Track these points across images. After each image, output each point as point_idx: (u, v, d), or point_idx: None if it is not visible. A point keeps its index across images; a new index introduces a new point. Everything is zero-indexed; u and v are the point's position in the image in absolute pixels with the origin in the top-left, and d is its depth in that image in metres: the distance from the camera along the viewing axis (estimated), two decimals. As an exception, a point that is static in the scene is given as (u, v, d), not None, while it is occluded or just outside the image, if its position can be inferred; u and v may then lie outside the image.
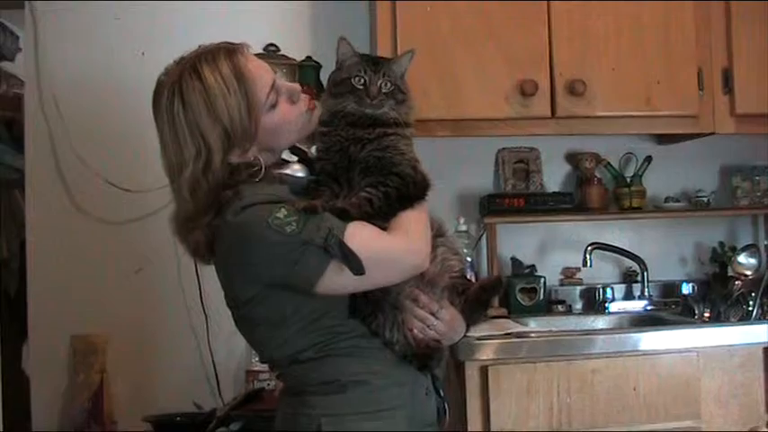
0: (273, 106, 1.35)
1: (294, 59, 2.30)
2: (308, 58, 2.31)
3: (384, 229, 1.33)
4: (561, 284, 2.49)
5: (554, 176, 2.53)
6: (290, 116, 1.37)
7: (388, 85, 1.40)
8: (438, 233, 1.44)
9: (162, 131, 1.33)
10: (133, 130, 2.07)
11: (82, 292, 2.25)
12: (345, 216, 1.30)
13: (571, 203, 2.40)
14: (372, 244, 1.29)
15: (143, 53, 2.29)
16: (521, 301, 2.36)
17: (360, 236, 1.28)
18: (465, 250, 2.32)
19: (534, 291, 2.37)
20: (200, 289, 2.20)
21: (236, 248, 1.29)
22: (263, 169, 1.34)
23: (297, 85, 1.42)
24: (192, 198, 1.31)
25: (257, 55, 2.28)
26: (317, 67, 2.29)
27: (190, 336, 2.28)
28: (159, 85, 1.34)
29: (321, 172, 1.40)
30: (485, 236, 2.42)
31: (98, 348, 2.19)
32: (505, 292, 2.36)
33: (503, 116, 2.16)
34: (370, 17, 2.30)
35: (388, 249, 1.30)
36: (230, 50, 1.34)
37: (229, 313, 1.41)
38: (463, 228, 2.36)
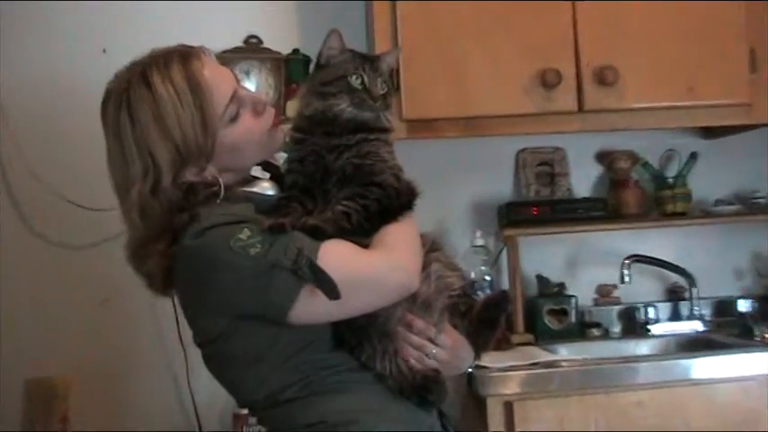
0: (234, 120, 1.36)
1: (279, 53, 2.34)
2: (296, 51, 2.36)
3: (365, 247, 1.32)
4: (595, 304, 2.50)
5: (583, 180, 2.54)
6: (253, 130, 1.38)
7: (384, 85, 1.42)
8: (432, 248, 1.44)
9: (109, 144, 1.36)
10: (95, 139, 1.95)
11: (39, 328, 2.24)
12: (319, 234, 1.29)
13: (604, 210, 2.40)
14: (349, 263, 1.29)
15: (104, 50, 2.31)
16: (549, 325, 2.37)
17: (334, 255, 1.27)
18: (483, 268, 2.36)
19: (564, 313, 2.38)
20: (177, 319, 2.10)
21: (196, 277, 1.29)
22: (222, 189, 1.35)
23: (263, 96, 1.44)
24: (143, 221, 1.32)
25: (236, 49, 2.37)
26: (307, 60, 2.33)
27: (166, 375, 2.28)
28: (107, 94, 1.36)
29: (292, 186, 1.40)
30: (505, 251, 2.42)
31: (58, 393, 2.19)
32: (531, 315, 2.38)
33: (522, 112, 2.17)
34: (365, 9, 2.33)
35: (367, 268, 1.30)
36: (185, 55, 1.35)
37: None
38: (480, 242, 2.37)
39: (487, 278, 2.35)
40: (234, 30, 2.38)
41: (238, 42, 2.38)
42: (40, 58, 2.31)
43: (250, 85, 2.33)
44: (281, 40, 2.36)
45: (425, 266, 1.39)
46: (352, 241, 1.31)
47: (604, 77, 2.15)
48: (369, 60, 1.43)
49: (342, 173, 1.37)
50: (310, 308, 1.26)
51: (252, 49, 2.36)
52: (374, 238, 1.34)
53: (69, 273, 2.28)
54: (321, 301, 1.25)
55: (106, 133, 1.36)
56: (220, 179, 1.35)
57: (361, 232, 1.33)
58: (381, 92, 1.41)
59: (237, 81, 1.39)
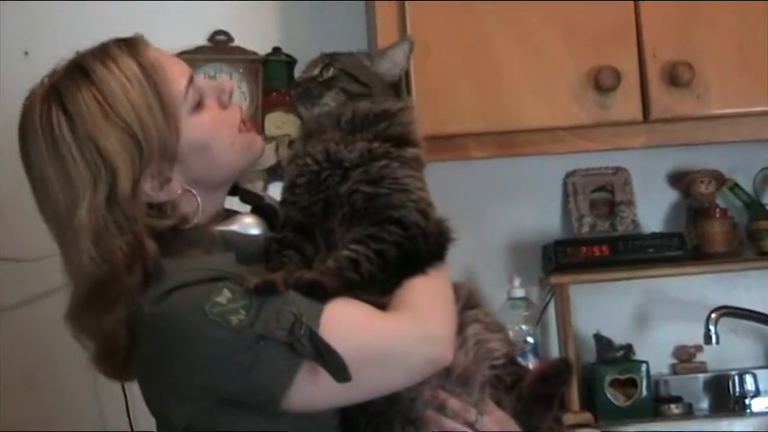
0: (198, 107, 1.39)
1: (255, 53, 2.34)
2: (277, 50, 2.34)
3: (381, 307, 1.32)
4: (674, 372, 2.47)
5: (653, 209, 2.52)
6: (223, 124, 1.41)
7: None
8: (468, 304, 1.44)
9: (37, 169, 1.34)
10: (16, 164, 2.06)
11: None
12: (319, 292, 1.28)
13: (681, 248, 2.38)
14: (362, 332, 1.29)
15: (26, 52, 2.34)
16: (612, 401, 2.33)
17: (342, 321, 1.27)
18: (524, 326, 2.31)
19: (633, 384, 2.33)
20: (126, 402, 2.17)
21: (159, 354, 1.29)
22: (200, 205, 1.37)
23: (226, 83, 1.47)
24: (100, 253, 1.30)
25: (199, 49, 2.40)
26: (290, 62, 2.33)
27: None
28: (25, 111, 1.37)
29: (286, 223, 1.41)
30: (552, 303, 2.40)
31: None
32: (589, 388, 2.33)
33: (569, 123, 2.16)
34: (366, 8, 2.36)
35: (386, 339, 1.30)
36: (124, 41, 1.38)
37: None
38: (519, 293, 2.35)
39: (530, 340, 2.31)
40: (194, 25, 2.40)
41: (201, 41, 2.38)
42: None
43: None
44: (256, 38, 2.36)
45: (461, 329, 1.39)
46: (364, 300, 1.32)
47: (677, 76, 2.12)
48: None
49: (349, 204, 1.38)
50: (311, 391, 1.27)
51: (219, 48, 2.37)
52: (395, 295, 1.34)
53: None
54: (325, 383, 1.24)
55: (32, 156, 1.35)
56: (195, 192, 1.37)
57: (375, 286, 1.34)
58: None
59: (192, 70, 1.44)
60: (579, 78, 2.12)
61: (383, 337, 1.30)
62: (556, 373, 1.45)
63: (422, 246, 1.36)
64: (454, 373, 1.37)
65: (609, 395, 2.31)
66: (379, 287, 1.33)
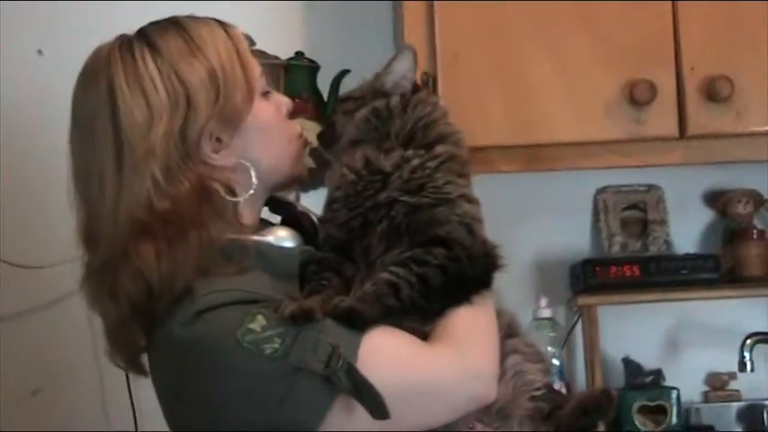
0: (266, 95, 1.44)
1: (277, 57, 2.30)
2: (299, 54, 2.33)
3: (423, 336, 1.31)
4: (705, 400, 2.45)
5: (687, 229, 2.51)
6: (283, 125, 1.45)
7: None
8: (508, 332, 1.43)
9: (115, 90, 1.33)
10: (28, 167, 2.11)
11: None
12: (356, 320, 1.27)
13: (716, 271, 2.36)
14: (403, 367, 1.28)
15: (40, 51, 2.32)
16: (641, 428, 2.30)
17: (382, 355, 1.27)
18: (550, 348, 2.30)
19: (662, 411, 2.30)
20: (134, 416, 2.17)
21: (190, 378, 1.28)
22: (255, 180, 1.38)
23: (286, 99, 1.50)
24: (167, 179, 1.30)
25: None
26: (313, 67, 2.32)
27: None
28: (98, 51, 1.38)
29: (325, 243, 1.39)
30: (579, 325, 2.40)
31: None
32: (617, 415, 2.28)
33: (602, 138, 2.14)
34: (393, 7, 2.38)
35: (428, 375, 1.30)
36: (215, 20, 1.43)
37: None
38: (545, 313, 2.34)
39: (555, 362, 2.30)
40: None
41: None
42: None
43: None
44: (278, 42, 2.32)
45: (502, 361, 1.39)
46: (405, 328, 1.31)
47: (715, 91, 2.10)
48: None
49: (389, 219, 1.36)
50: (344, 427, 1.26)
51: None
52: (438, 326, 1.34)
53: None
54: (360, 419, 1.24)
55: (109, 77, 1.34)
56: (250, 165, 1.38)
57: (416, 313, 1.32)
58: None
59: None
60: (613, 91, 2.11)
61: (425, 374, 1.29)
62: (597, 406, 1.43)
63: (467, 269, 1.34)
64: (494, 407, 1.35)
65: (637, 422, 2.28)
66: (418, 313, 1.31)
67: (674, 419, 2.28)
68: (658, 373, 2.35)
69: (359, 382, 1.22)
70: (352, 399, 1.23)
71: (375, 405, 1.22)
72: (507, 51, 2.12)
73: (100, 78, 1.35)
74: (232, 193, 1.36)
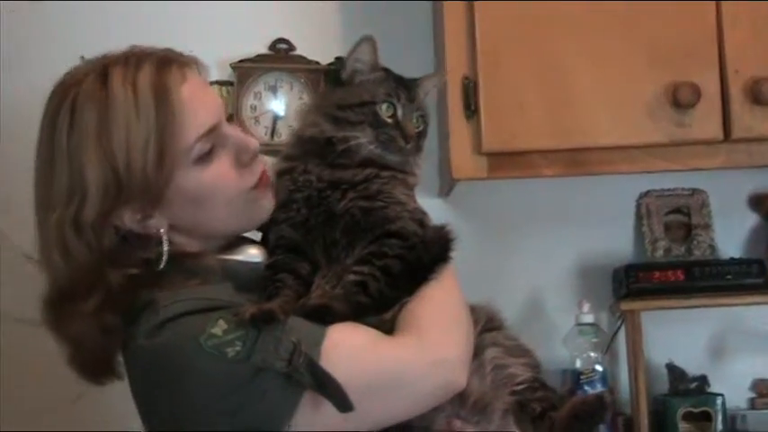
0: (205, 160, 1.35)
1: (317, 62, 2.37)
2: (339, 60, 2.30)
3: (387, 328, 1.33)
4: (752, 407, 2.44)
5: (731, 233, 2.51)
6: (228, 184, 1.38)
7: (420, 121, 1.48)
8: (487, 326, 1.44)
9: (39, 148, 1.36)
10: None
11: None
12: (328, 316, 1.29)
13: (762, 276, 2.35)
14: (365, 359, 1.29)
15: (82, 57, 2.31)
16: None
17: (343, 348, 1.27)
18: (592, 354, 2.30)
19: (707, 417, 2.31)
20: None
21: (159, 387, 1.30)
22: (165, 254, 1.34)
23: (254, 142, 1.43)
24: (67, 263, 1.31)
25: (259, 58, 2.41)
26: None
27: None
28: (57, 84, 1.38)
29: (277, 245, 1.41)
30: (623, 331, 2.39)
31: None
32: (661, 422, 2.31)
33: (644, 142, 2.14)
34: (432, 9, 2.39)
35: (391, 365, 1.30)
36: (165, 61, 1.35)
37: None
38: (588, 319, 2.34)
39: (598, 368, 2.29)
40: (255, 33, 2.42)
41: (262, 49, 2.39)
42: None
43: (278, 104, 2.37)
44: (318, 47, 2.37)
45: (477, 353, 1.39)
46: (369, 325, 1.32)
47: (760, 93, 2.09)
48: (406, 86, 1.47)
49: (349, 218, 1.39)
50: (314, 423, 1.26)
51: (280, 57, 2.38)
52: (400, 318, 1.35)
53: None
54: (328, 414, 1.24)
55: (40, 132, 1.37)
56: (164, 237, 1.35)
57: (387, 305, 1.35)
58: (416, 129, 1.46)
59: (226, 117, 1.43)
60: (656, 94, 2.11)
61: (388, 364, 1.30)
62: (591, 412, 1.43)
63: (424, 253, 1.37)
64: (470, 399, 1.36)
65: (681, 429, 2.29)
66: (389, 304, 1.34)
67: (720, 426, 2.28)
68: (703, 380, 2.35)
69: (320, 377, 1.23)
70: (318, 394, 1.24)
71: (338, 398, 1.23)
72: (548, 53, 2.12)
73: (43, 119, 1.37)
74: (155, 261, 1.34)
